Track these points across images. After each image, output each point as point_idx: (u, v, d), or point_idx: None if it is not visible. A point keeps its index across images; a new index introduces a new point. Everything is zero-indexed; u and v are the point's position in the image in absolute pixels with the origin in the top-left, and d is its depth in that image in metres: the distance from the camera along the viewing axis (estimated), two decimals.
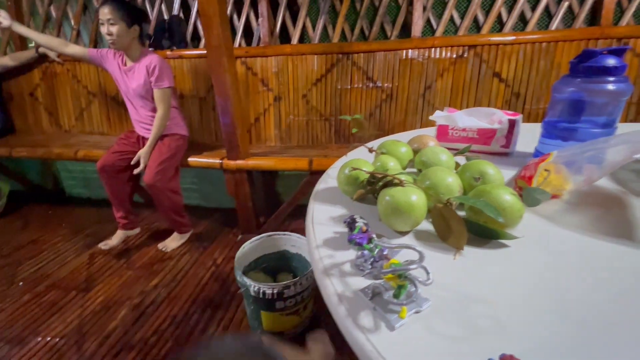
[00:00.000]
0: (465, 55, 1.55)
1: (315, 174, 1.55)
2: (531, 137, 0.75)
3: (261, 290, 0.94)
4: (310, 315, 1.12)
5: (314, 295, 1.14)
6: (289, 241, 1.18)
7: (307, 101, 1.79)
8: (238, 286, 1.35)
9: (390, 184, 0.50)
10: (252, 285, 0.95)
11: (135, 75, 1.49)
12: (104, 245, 1.64)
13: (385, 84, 1.67)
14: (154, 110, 1.54)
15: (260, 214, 1.82)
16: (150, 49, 1.69)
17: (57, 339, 1.13)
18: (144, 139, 1.60)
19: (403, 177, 0.50)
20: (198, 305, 1.27)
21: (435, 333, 0.32)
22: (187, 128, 1.69)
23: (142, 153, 1.52)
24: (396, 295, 0.33)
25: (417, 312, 0.34)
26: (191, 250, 1.63)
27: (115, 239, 1.66)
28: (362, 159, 0.62)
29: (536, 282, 0.38)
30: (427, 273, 0.34)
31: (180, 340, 1.11)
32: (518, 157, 0.74)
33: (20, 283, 1.42)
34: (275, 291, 0.94)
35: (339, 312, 0.36)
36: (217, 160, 1.60)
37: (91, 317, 1.22)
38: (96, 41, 2.01)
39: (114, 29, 1.38)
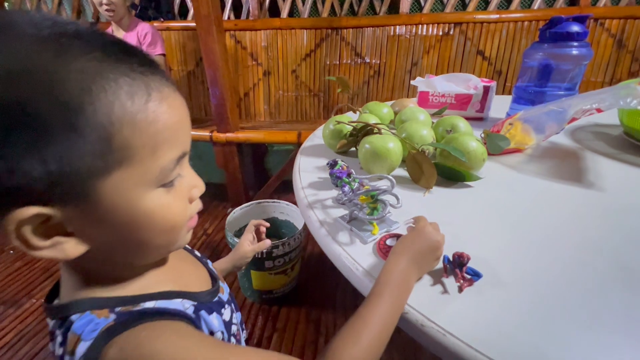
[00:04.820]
0: (451, 33, 1.59)
1: None
2: (506, 107, 0.81)
3: None
4: (297, 276, 1.18)
5: (302, 257, 1.20)
6: (278, 208, 1.23)
7: (297, 76, 1.80)
8: (229, 249, 1.40)
9: (370, 133, 0.55)
10: None
11: None
12: None
13: (374, 60, 1.70)
14: None
15: (250, 189, 1.85)
16: (138, 19, 1.66)
17: None
18: None
19: (382, 129, 0.55)
20: None
21: None
22: None
23: None
24: (369, 214, 0.38)
25: (387, 231, 0.40)
26: None
27: None
28: (346, 115, 0.66)
29: (492, 212, 0.44)
30: (397, 198, 0.39)
31: None
32: (492, 122, 0.80)
33: (11, 251, 1.43)
34: (264, 250, 0.99)
35: (320, 233, 0.41)
36: (207, 133, 1.61)
37: None
38: (79, 10, 1.95)
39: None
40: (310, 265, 1.33)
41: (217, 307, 0.31)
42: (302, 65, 1.78)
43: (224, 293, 0.35)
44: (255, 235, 0.59)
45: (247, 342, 0.50)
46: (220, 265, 0.53)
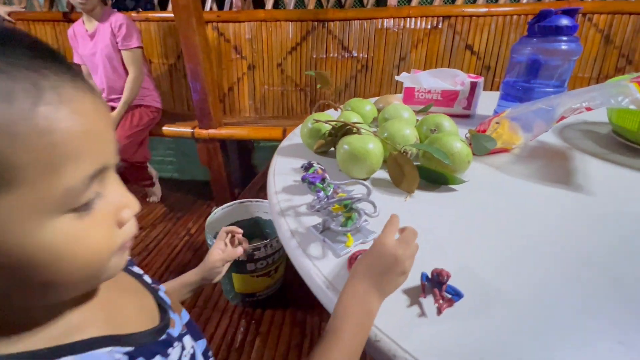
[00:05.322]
0: (439, 26, 1.56)
1: None
2: (494, 103, 0.78)
3: None
4: (281, 277, 1.15)
5: (287, 258, 1.17)
6: (262, 208, 1.19)
7: (282, 70, 1.75)
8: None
9: (349, 133, 0.51)
10: None
11: (100, 36, 1.40)
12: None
13: (361, 54, 1.66)
14: (126, 77, 1.46)
15: (236, 187, 1.80)
16: (113, 9, 1.58)
17: None
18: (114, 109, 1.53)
19: (362, 129, 0.51)
20: (171, 271, 1.27)
21: None
22: (160, 99, 1.63)
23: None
24: (343, 225, 0.35)
25: (363, 243, 0.36)
26: (164, 221, 1.61)
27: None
28: (325, 113, 0.62)
29: (477, 219, 0.41)
30: (375, 206, 0.36)
31: None
32: (479, 119, 0.77)
33: None
34: (245, 253, 0.95)
35: (291, 245, 0.37)
36: (189, 130, 1.55)
37: None
38: (52, 1, 1.85)
39: None
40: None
41: (162, 347, 0.26)
42: (288, 58, 1.72)
43: (175, 327, 0.30)
44: (228, 243, 0.55)
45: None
46: (189, 279, 0.48)
